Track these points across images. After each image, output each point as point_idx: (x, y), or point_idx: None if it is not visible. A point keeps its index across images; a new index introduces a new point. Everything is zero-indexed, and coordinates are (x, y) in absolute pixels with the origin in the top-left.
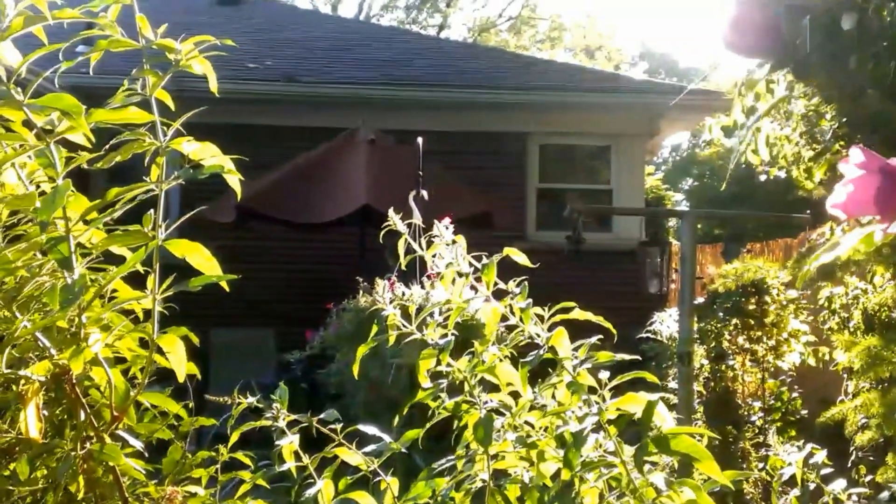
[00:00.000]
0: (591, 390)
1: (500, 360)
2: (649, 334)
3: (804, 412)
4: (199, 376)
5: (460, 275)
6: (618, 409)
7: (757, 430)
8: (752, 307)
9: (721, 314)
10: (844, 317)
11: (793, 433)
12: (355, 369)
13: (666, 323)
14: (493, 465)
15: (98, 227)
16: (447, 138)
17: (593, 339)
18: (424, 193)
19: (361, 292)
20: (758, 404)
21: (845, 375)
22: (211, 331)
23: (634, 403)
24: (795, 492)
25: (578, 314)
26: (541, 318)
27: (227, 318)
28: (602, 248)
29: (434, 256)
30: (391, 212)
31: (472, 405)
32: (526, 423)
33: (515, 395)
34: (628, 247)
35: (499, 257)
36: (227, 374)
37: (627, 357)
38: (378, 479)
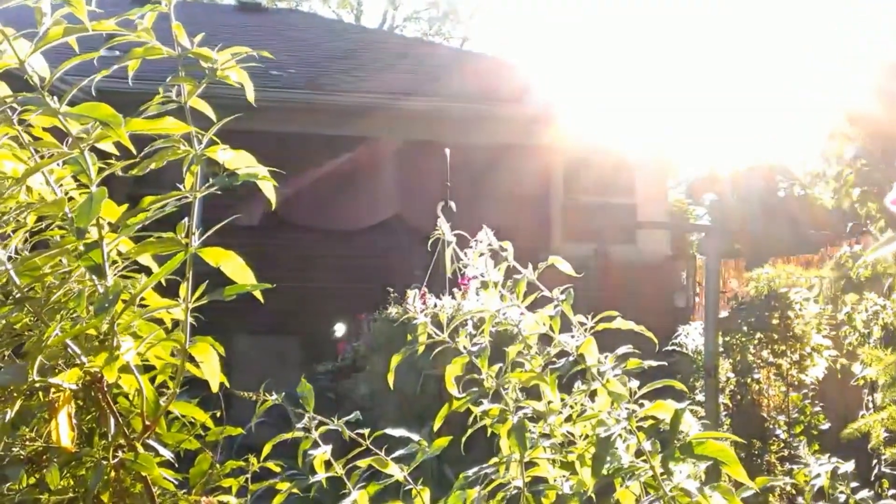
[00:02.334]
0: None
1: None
2: (675, 347)
3: (825, 426)
4: (227, 384)
5: (484, 284)
6: (648, 417)
7: (782, 444)
8: (775, 321)
9: (745, 328)
10: (865, 332)
11: (816, 447)
12: (390, 378)
13: (691, 336)
14: (527, 473)
15: (127, 235)
16: (472, 151)
17: (623, 349)
18: (452, 204)
19: (392, 303)
20: (782, 418)
21: (866, 390)
22: (233, 339)
23: (663, 411)
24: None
25: (621, 324)
26: (583, 325)
27: (250, 327)
28: (628, 261)
29: (466, 266)
30: (440, 221)
31: (506, 412)
32: (567, 433)
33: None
34: (654, 261)
35: (545, 265)
36: (250, 384)
37: (655, 363)
38: (409, 487)
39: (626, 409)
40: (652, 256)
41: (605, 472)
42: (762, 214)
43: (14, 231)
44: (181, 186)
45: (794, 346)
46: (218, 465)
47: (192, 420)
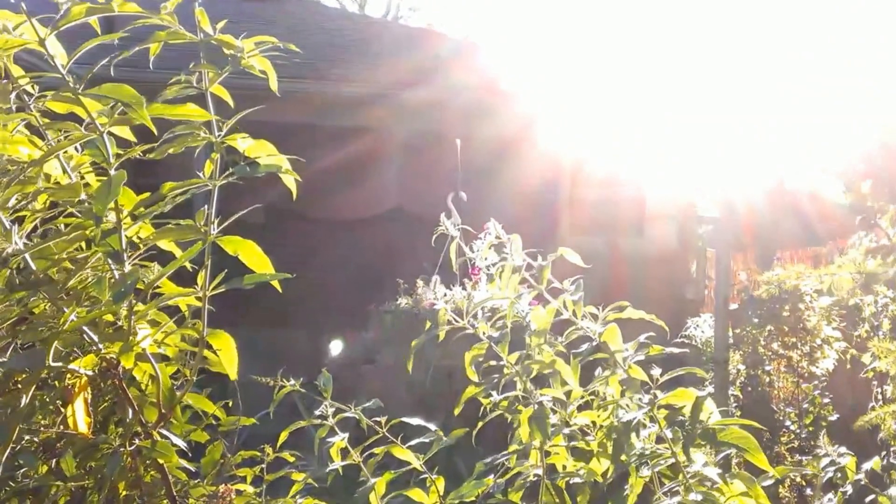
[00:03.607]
0: (642, 385)
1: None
2: (684, 339)
3: (834, 417)
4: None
5: (491, 276)
6: (667, 404)
7: (792, 436)
8: (786, 313)
9: (756, 320)
10: (875, 324)
11: (825, 439)
12: (409, 365)
13: (701, 328)
14: (547, 461)
15: (144, 222)
16: (483, 144)
17: (643, 337)
18: (463, 195)
19: (402, 293)
20: (792, 409)
21: (875, 382)
22: (236, 332)
23: (684, 398)
24: (830, 496)
25: (631, 313)
26: (594, 316)
27: (252, 320)
28: (636, 254)
29: (479, 256)
30: (445, 215)
31: (526, 399)
32: (579, 422)
33: (567, 393)
34: (663, 253)
35: (553, 257)
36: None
37: (676, 350)
38: (423, 475)
39: (648, 396)
40: (660, 248)
41: (623, 458)
42: (770, 207)
43: (29, 217)
44: (199, 175)
45: (805, 338)
46: (229, 456)
47: (200, 411)
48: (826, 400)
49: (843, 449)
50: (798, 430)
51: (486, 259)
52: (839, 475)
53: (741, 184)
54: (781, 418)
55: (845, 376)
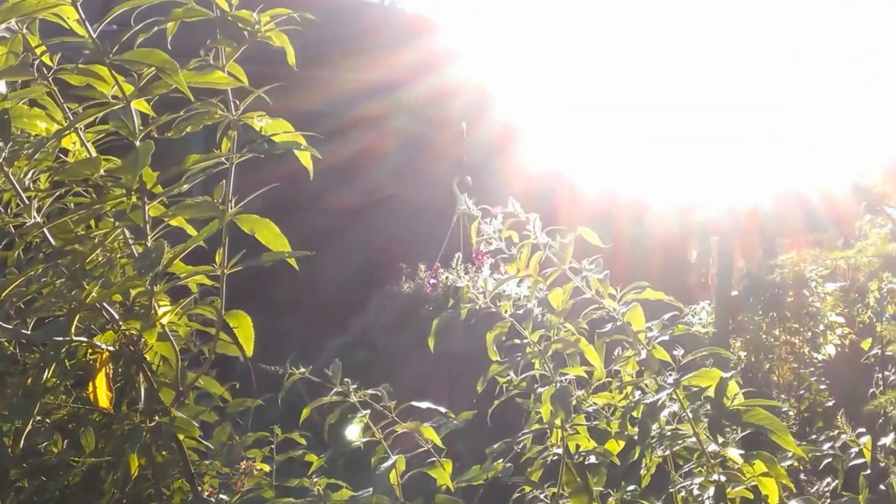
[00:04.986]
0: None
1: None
2: (686, 325)
3: (830, 403)
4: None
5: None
6: (690, 384)
7: (792, 421)
8: (790, 299)
9: (759, 307)
10: (878, 310)
11: (819, 424)
12: (431, 343)
13: (699, 316)
14: (568, 440)
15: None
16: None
17: (667, 316)
18: (469, 179)
19: (404, 278)
20: (790, 396)
21: (877, 367)
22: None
23: (707, 378)
24: (828, 480)
25: (650, 294)
26: (612, 296)
27: (251, 306)
28: (636, 241)
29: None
30: (464, 198)
31: (544, 380)
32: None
33: (589, 373)
34: (663, 239)
35: (572, 236)
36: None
37: (702, 330)
38: (431, 459)
39: (673, 376)
40: (660, 236)
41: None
42: (771, 193)
43: (35, 196)
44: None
45: (808, 324)
46: (236, 437)
47: (215, 395)
48: (822, 386)
49: (844, 435)
50: (795, 417)
51: (490, 244)
52: (838, 460)
53: (742, 170)
54: (780, 404)
55: (846, 361)
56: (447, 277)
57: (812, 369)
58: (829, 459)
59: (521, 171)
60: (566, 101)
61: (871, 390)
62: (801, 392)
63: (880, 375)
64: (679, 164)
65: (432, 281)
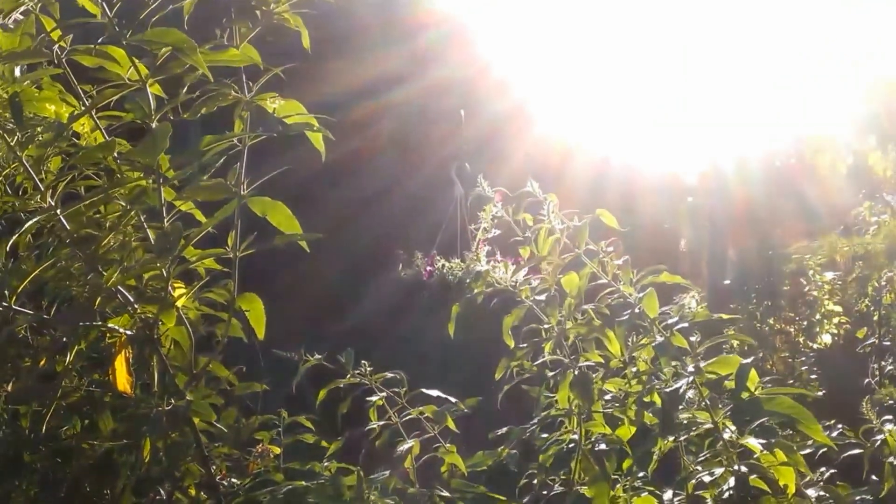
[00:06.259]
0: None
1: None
2: None
3: (820, 393)
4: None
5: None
6: (710, 372)
7: None
8: (786, 288)
9: (753, 296)
10: (876, 299)
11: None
12: (451, 328)
13: (688, 306)
14: (585, 426)
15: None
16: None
17: (686, 298)
18: (468, 166)
19: (401, 266)
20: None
21: (873, 357)
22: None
23: (727, 366)
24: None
25: (667, 277)
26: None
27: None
28: (627, 229)
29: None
30: (480, 178)
31: (556, 365)
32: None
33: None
34: (652, 227)
35: (587, 219)
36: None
37: (726, 316)
38: (437, 445)
39: (692, 364)
40: (651, 224)
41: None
42: (764, 180)
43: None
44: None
45: (805, 313)
46: (244, 420)
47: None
48: (813, 375)
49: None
50: None
51: (489, 232)
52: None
53: (734, 157)
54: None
55: (840, 351)
56: (443, 266)
57: (804, 358)
58: (825, 449)
59: (520, 159)
60: (565, 89)
61: (867, 380)
62: (791, 382)
63: (876, 366)
64: (673, 149)
65: (428, 268)
